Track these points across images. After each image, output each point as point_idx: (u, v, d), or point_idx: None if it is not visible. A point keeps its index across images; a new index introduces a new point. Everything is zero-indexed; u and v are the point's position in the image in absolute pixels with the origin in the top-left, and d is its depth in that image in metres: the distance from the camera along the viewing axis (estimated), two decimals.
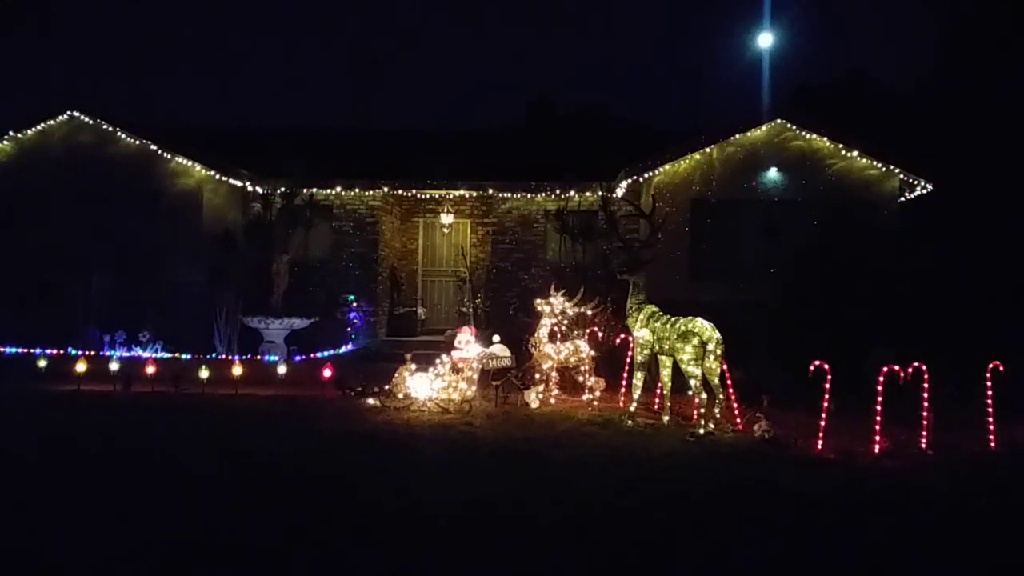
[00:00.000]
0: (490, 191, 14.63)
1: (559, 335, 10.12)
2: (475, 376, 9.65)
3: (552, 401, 9.80)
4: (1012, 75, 17.30)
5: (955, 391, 8.50)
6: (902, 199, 13.46)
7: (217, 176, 13.39)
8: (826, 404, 7.41)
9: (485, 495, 5.67)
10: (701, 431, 7.91)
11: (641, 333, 8.74)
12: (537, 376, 9.74)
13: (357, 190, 14.46)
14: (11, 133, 13.26)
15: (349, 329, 13.66)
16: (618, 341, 10.31)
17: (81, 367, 10.23)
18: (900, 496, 5.97)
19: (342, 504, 5.39)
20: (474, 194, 15.09)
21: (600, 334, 10.65)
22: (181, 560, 4.31)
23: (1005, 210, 14.53)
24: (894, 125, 18.80)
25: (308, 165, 13.48)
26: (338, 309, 13.79)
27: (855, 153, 12.86)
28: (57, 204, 12.95)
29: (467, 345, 9.94)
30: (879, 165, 12.89)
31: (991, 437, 7.74)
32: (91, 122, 13.16)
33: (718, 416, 8.21)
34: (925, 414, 7.49)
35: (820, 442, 7.38)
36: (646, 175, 13.06)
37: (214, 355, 11.51)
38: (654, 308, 8.81)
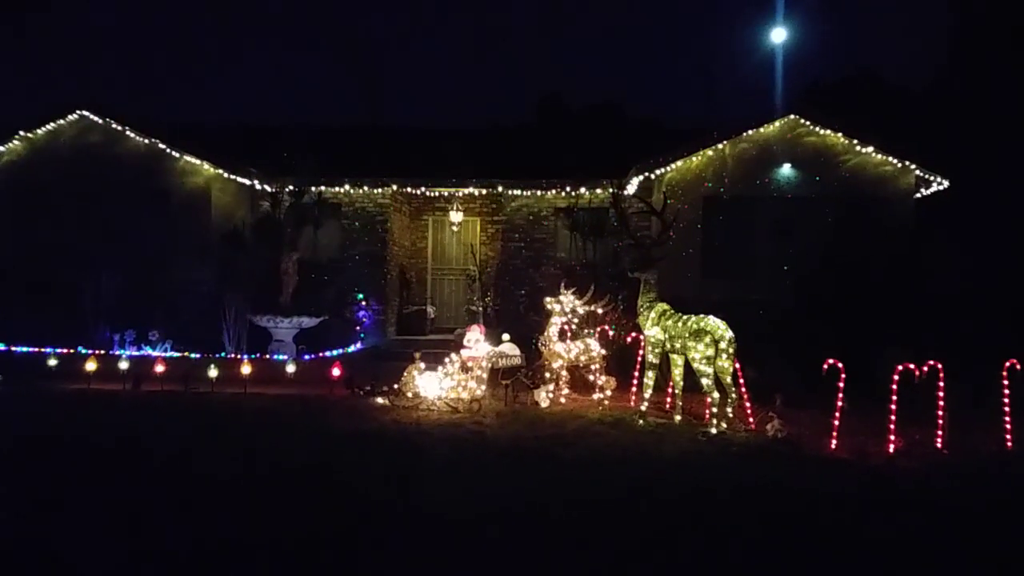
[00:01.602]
0: (500, 189, 14.56)
1: (569, 334, 10.05)
2: (485, 375, 9.60)
3: (562, 400, 9.73)
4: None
5: (971, 390, 8.38)
6: (917, 195, 13.30)
7: (225, 175, 13.39)
8: (840, 403, 7.32)
9: (495, 495, 5.63)
10: (713, 431, 7.84)
11: (652, 332, 8.66)
12: (547, 375, 9.67)
13: (366, 188, 14.42)
14: (21, 133, 13.29)
15: (358, 328, 13.62)
16: (629, 340, 10.24)
17: (91, 366, 10.26)
18: (915, 496, 5.88)
19: (351, 503, 5.35)
20: (484, 192, 15.03)
21: (611, 333, 10.57)
22: (187, 560, 4.27)
23: (1021, 206, 14.35)
24: (907, 122, 18.61)
25: (317, 163, 13.44)
26: (347, 308, 13.76)
27: (870, 149, 12.71)
28: (67, 203, 12.98)
29: (476, 344, 9.89)
30: (894, 161, 12.73)
31: (1008, 437, 7.64)
32: (100, 121, 13.17)
33: (730, 415, 8.12)
34: (940, 413, 7.39)
35: (834, 441, 7.29)
36: (658, 172, 12.95)
37: (223, 354, 11.50)
38: (665, 306, 8.72)
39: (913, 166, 12.71)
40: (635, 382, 9.57)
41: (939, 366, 7.38)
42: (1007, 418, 7.69)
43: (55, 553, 4.37)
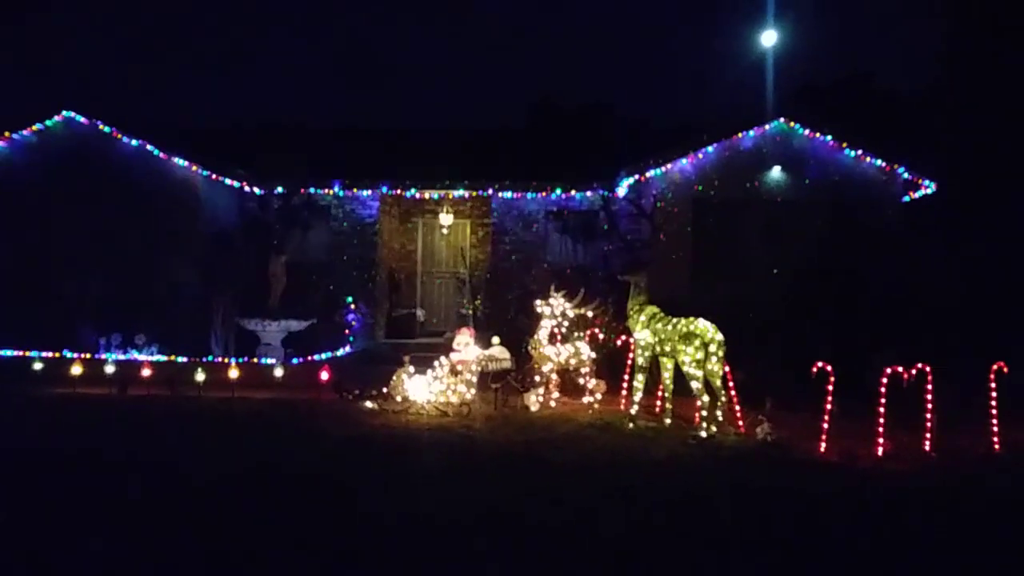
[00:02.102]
0: (490, 191, 14.52)
1: (559, 337, 10.02)
2: (474, 378, 9.56)
3: (552, 404, 9.71)
4: (1016, 75, 17.18)
5: (959, 393, 8.41)
6: (906, 199, 13.36)
7: (214, 176, 13.29)
8: (829, 406, 7.33)
9: (484, 500, 5.59)
10: (703, 434, 7.83)
11: (642, 335, 8.65)
12: (537, 378, 9.65)
13: (355, 190, 14.35)
14: (7, 133, 13.15)
15: (347, 331, 13.55)
16: (619, 343, 10.22)
17: (77, 370, 10.17)
18: (903, 499, 5.90)
19: (340, 510, 5.31)
20: (474, 194, 14.97)
21: (601, 336, 10.55)
22: (176, 569, 4.22)
23: (1009, 210, 14.42)
24: (897, 125, 18.69)
25: (306, 165, 13.35)
26: (336, 311, 13.68)
27: (859, 152, 12.76)
28: (53, 205, 12.84)
29: (466, 347, 9.84)
30: (883, 164, 12.78)
31: (995, 439, 7.68)
32: (86, 122, 13.06)
33: (720, 418, 8.11)
34: (929, 416, 7.42)
35: (823, 444, 7.31)
36: (648, 174, 12.94)
37: (211, 358, 11.40)
38: (655, 309, 8.71)
39: (901, 169, 12.77)
40: (625, 385, 9.55)
41: (927, 369, 7.41)
42: (994, 420, 7.73)
43: (37, 559, 4.31)
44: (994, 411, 7.75)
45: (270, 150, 13.69)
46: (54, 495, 5.54)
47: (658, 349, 8.55)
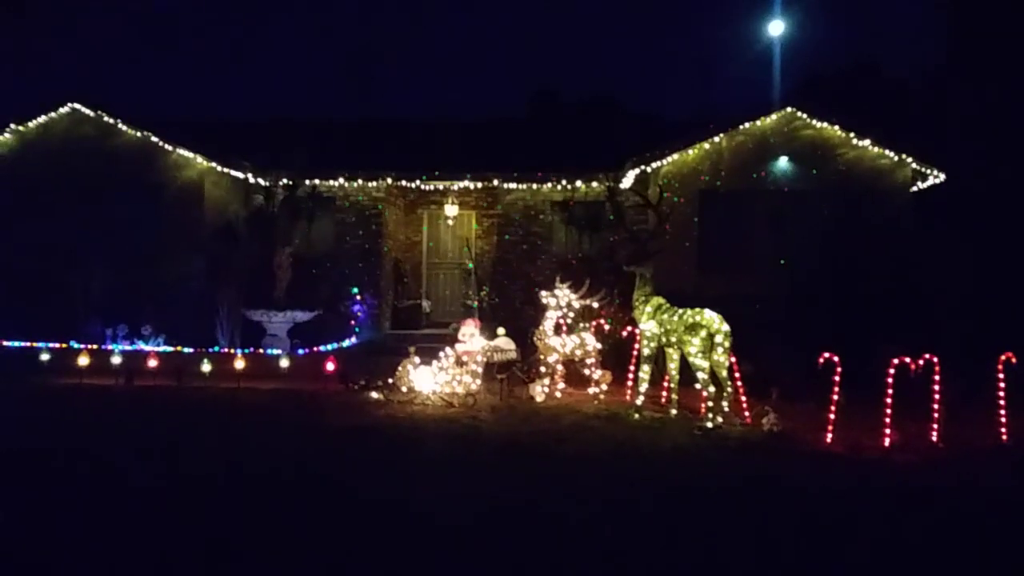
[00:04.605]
0: (495, 182, 14.48)
1: (565, 328, 10.00)
2: (480, 369, 9.56)
3: (557, 395, 9.70)
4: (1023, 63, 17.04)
5: (967, 384, 8.37)
6: (914, 189, 13.27)
7: (219, 168, 13.30)
8: (836, 397, 7.30)
9: (489, 490, 5.59)
10: (709, 425, 7.81)
11: (648, 325, 8.63)
12: (542, 369, 9.64)
13: (360, 181, 14.33)
14: (12, 126, 13.19)
15: (353, 322, 13.55)
16: (625, 334, 10.21)
17: (84, 361, 10.21)
18: (910, 490, 5.87)
19: (345, 500, 5.31)
20: (479, 185, 14.93)
21: (606, 326, 10.53)
22: (181, 560, 4.23)
23: (1018, 200, 14.33)
24: (905, 114, 18.58)
25: (310, 156, 13.33)
26: (341, 302, 13.69)
27: (866, 142, 12.65)
28: (58, 197, 12.89)
29: (471, 338, 9.85)
30: (890, 154, 12.67)
31: (1003, 430, 7.64)
32: (92, 115, 13.07)
33: (726, 409, 8.09)
34: (936, 407, 7.38)
35: (829, 436, 7.28)
36: (654, 165, 12.88)
37: (216, 348, 11.44)
38: (661, 300, 8.68)
39: (910, 159, 12.67)
40: (631, 376, 9.53)
41: (935, 360, 7.37)
42: (1002, 411, 7.69)
43: (46, 551, 4.33)
44: (1002, 402, 7.71)
45: (275, 142, 13.68)
46: (57, 485, 5.57)
47: (664, 340, 8.53)
